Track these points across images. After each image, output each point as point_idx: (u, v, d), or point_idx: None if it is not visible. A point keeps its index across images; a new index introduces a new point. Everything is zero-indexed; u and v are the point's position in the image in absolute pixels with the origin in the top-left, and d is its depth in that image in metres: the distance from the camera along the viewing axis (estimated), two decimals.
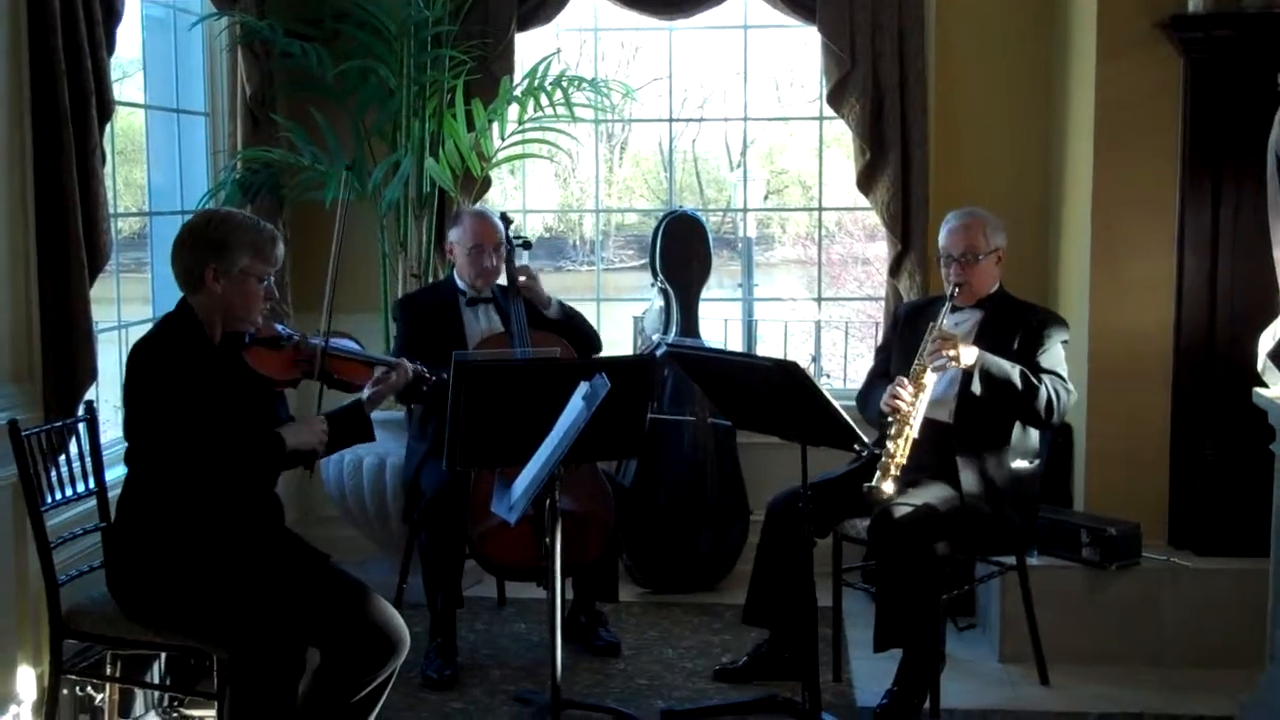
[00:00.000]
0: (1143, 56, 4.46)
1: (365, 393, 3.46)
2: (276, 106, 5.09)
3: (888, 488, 3.76)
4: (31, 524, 3.37)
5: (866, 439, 3.59)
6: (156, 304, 4.82)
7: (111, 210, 4.02)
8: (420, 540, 4.34)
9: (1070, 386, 4.03)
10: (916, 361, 3.93)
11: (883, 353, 4.42)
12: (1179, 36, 4.32)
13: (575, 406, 3.19)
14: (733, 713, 4.00)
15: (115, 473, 3.58)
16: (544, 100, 5.10)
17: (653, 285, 5.45)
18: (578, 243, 13.66)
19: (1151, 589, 4.35)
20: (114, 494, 3.49)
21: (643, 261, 6.02)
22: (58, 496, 3.51)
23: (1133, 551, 4.37)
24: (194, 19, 4.92)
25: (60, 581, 3.36)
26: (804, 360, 6.10)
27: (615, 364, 3.62)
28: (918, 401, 3.88)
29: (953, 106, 5.20)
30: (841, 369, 8.36)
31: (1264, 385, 3.80)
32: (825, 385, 4.81)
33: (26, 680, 3.72)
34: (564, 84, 5.09)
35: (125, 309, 4.74)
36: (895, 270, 5.18)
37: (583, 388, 3.18)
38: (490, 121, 5.06)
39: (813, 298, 7.58)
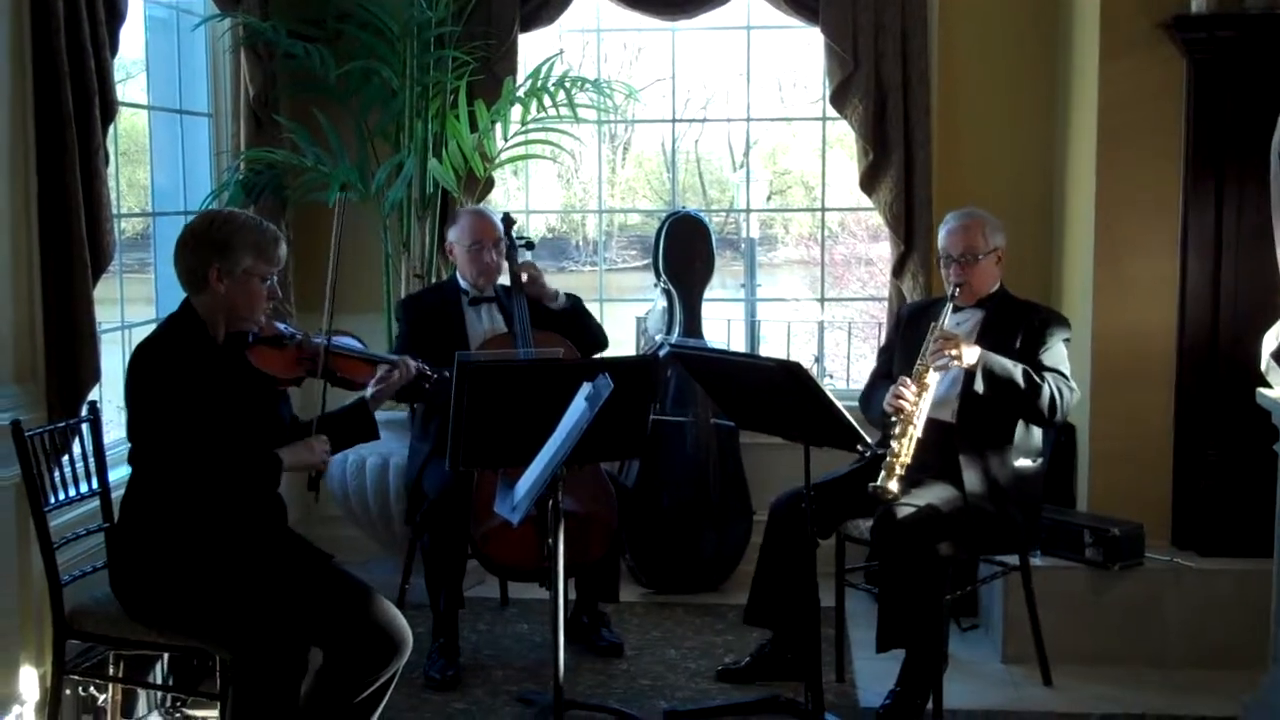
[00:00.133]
0: (1145, 57, 4.46)
1: (369, 391, 3.46)
2: (279, 107, 5.10)
3: (893, 487, 3.77)
4: (35, 524, 3.38)
5: (869, 440, 3.59)
6: (160, 304, 4.82)
7: (115, 211, 4.02)
8: (423, 541, 4.35)
9: (1073, 384, 4.03)
10: (919, 361, 3.93)
11: (885, 354, 4.42)
12: (1181, 37, 4.32)
13: (578, 407, 3.19)
14: (735, 713, 4.00)
15: (118, 473, 3.58)
16: (547, 101, 5.10)
17: (655, 286, 5.45)
18: (580, 243, 13.66)
19: (1154, 589, 4.35)
20: (117, 494, 3.50)
21: (645, 262, 6.02)
22: (61, 497, 3.52)
23: (1136, 552, 4.37)
24: (197, 20, 4.92)
25: (63, 582, 3.36)
26: (807, 361, 6.09)
27: (618, 364, 3.62)
28: (921, 401, 3.88)
29: (956, 107, 5.20)
30: (844, 370, 8.36)
31: (1267, 385, 3.79)
32: (828, 386, 4.81)
33: (29, 681, 3.72)
34: (567, 84, 5.09)
35: (128, 309, 4.75)
36: (898, 271, 5.18)
37: (586, 388, 3.18)
38: (493, 122, 5.07)
39: (816, 298, 7.56)
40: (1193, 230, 4.41)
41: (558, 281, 4.72)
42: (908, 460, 3.82)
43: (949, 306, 4.06)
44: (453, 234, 4.59)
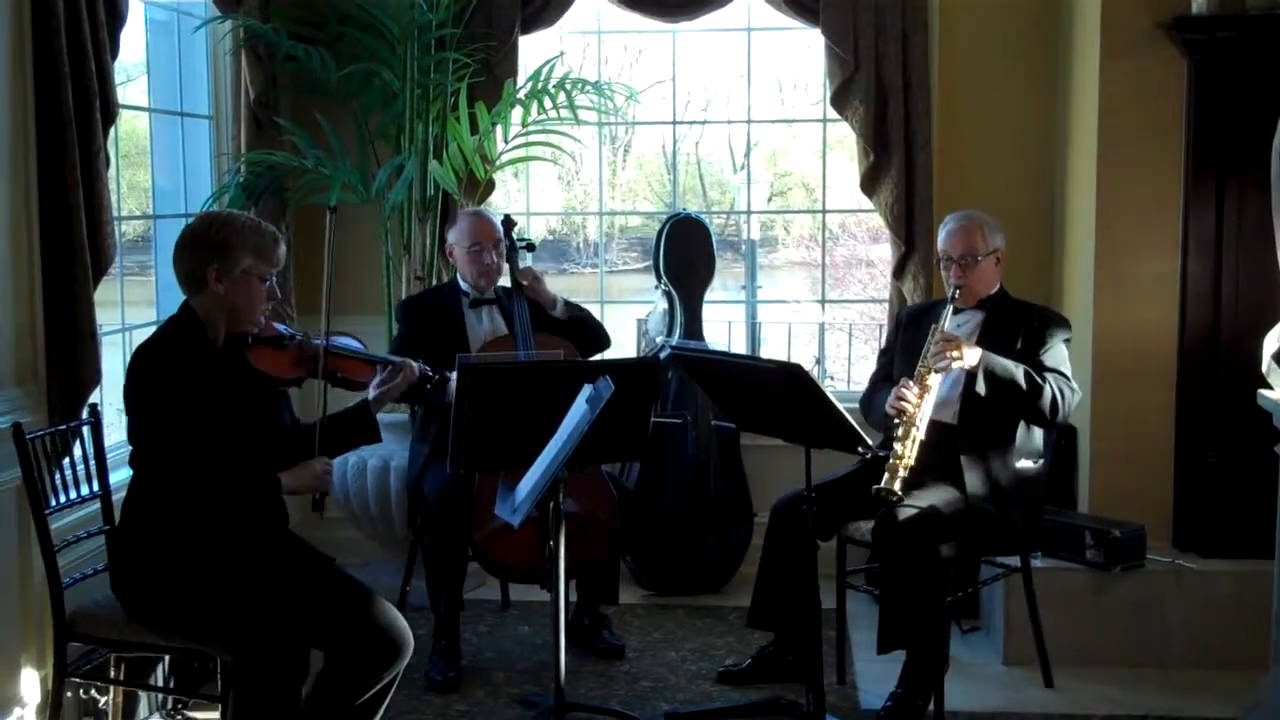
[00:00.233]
0: (1146, 58, 4.46)
1: (371, 393, 3.46)
2: (280, 109, 5.10)
3: (898, 489, 3.77)
4: (36, 527, 3.37)
5: (870, 441, 3.59)
6: (160, 307, 4.82)
7: (115, 213, 4.02)
8: (423, 543, 4.35)
9: (1074, 385, 4.03)
10: (920, 363, 3.93)
11: (885, 357, 4.42)
12: (1182, 38, 4.32)
13: (579, 409, 3.19)
14: (737, 715, 4.00)
15: (119, 476, 3.58)
16: (547, 103, 5.10)
17: (656, 288, 5.44)
18: (581, 245, 13.68)
19: (1156, 591, 4.35)
20: (118, 497, 3.50)
21: (646, 264, 6.03)
22: (62, 499, 3.51)
23: (1137, 553, 4.36)
24: (198, 22, 4.93)
25: (64, 584, 3.36)
26: (808, 362, 6.10)
27: (619, 366, 3.62)
28: (923, 403, 3.88)
29: (956, 108, 5.20)
30: (845, 371, 8.37)
31: (1268, 387, 3.79)
32: (829, 387, 4.81)
33: (31, 683, 3.72)
34: (567, 86, 5.09)
35: (129, 312, 4.75)
36: (899, 272, 5.18)
37: (587, 390, 3.18)
38: (494, 124, 5.07)
39: (816, 300, 7.58)
40: (1193, 231, 4.41)
41: (559, 284, 4.73)
42: (911, 462, 3.81)
43: (949, 308, 4.06)
44: (452, 236, 4.59)
